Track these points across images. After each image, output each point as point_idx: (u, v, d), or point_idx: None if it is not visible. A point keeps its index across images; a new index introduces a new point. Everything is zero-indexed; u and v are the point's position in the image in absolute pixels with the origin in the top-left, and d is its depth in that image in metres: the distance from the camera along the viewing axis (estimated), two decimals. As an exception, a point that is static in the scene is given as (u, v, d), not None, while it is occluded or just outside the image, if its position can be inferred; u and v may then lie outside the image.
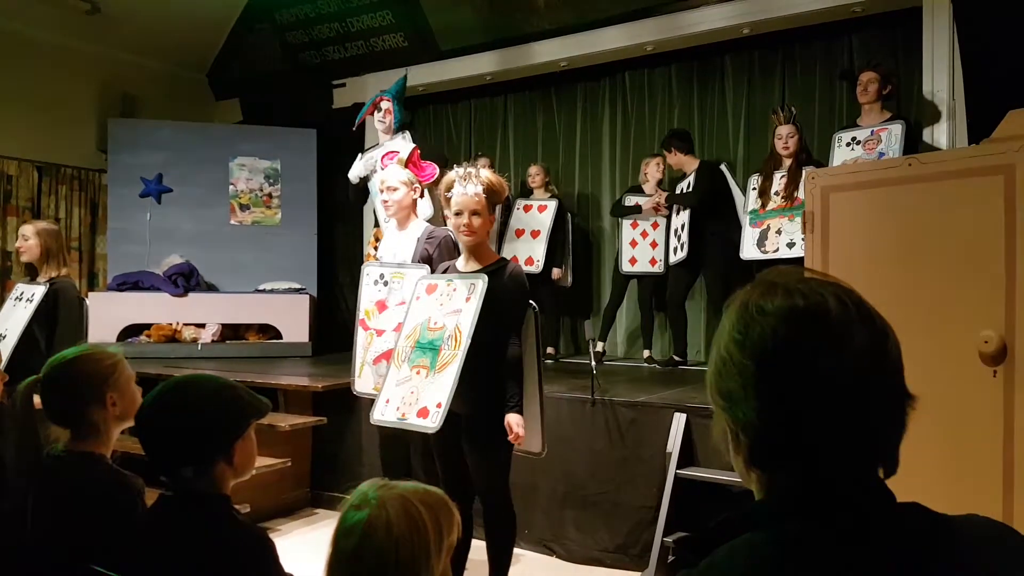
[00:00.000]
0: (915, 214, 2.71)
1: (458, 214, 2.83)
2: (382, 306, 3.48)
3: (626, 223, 5.76)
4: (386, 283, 3.50)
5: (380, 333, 3.46)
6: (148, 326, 6.52)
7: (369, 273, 3.57)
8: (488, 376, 2.77)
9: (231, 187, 7.08)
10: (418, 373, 2.88)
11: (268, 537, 1.52)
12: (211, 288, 6.83)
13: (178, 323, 6.53)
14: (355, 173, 4.93)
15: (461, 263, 3.00)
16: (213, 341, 6.49)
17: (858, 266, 2.78)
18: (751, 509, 0.85)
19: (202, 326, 6.57)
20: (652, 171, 5.77)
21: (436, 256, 3.38)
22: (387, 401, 2.94)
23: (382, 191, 3.57)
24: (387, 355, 3.38)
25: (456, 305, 2.85)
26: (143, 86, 7.47)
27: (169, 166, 6.93)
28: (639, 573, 3.48)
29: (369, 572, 1.19)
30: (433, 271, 3.22)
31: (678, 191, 5.45)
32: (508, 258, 3.09)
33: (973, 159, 2.65)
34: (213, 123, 7.82)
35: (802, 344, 0.81)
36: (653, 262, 5.65)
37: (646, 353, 5.83)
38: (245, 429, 1.57)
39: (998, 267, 2.37)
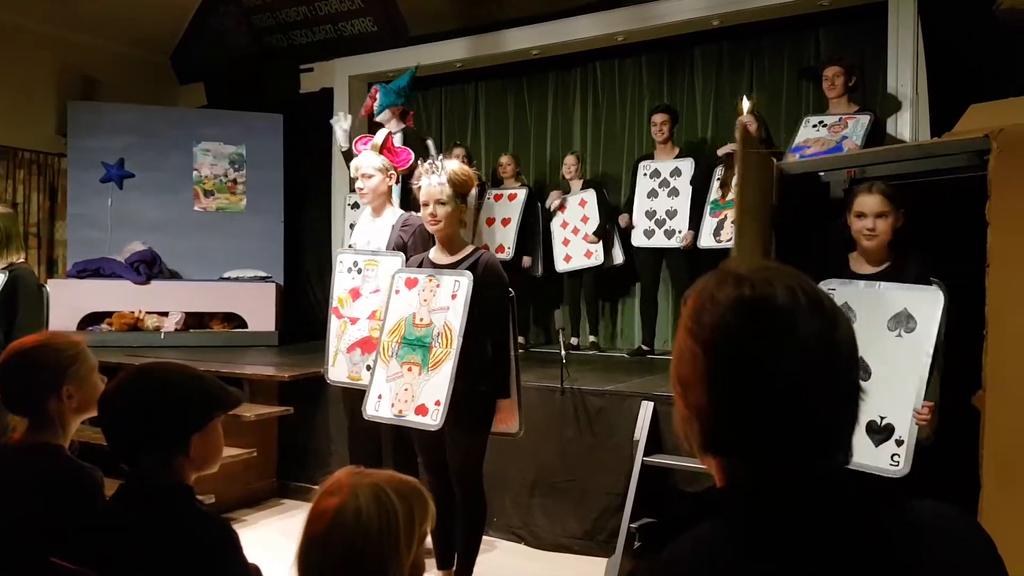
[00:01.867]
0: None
1: (424, 204, 2.95)
2: (356, 294, 3.46)
3: (555, 223, 5.81)
4: (360, 271, 3.48)
5: (354, 321, 3.44)
6: (109, 314, 6.40)
7: (343, 260, 3.54)
8: (471, 362, 2.86)
9: (195, 173, 6.95)
10: (409, 370, 2.94)
11: (231, 528, 1.50)
12: (174, 276, 6.71)
13: (140, 311, 6.42)
14: (342, 140, 4.97)
15: (434, 254, 3.08)
16: (176, 330, 6.40)
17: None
18: (711, 497, 0.86)
19: (165, 314, 6.46)
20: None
21: (411, 244, 3.41)
22: (379, 397, 3.00)
23: (357, 178, 3.54)
24: (362, 343, 3.40)
25: (442, 302, 2.92)
26: (104, 68, 7.28)
27: (131, 151, 6.79)
28: (606, 559, 3.51)
29: (337, 558, 1.19)
30: (408, 258, 3.25)
31: (648, 184, 5.45)
32: (478, 246, 3.13)
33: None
34: (177, 107, 7.68)
35: (747, 332, 0.82)
36: (588, 255, 5.67)
37: (591, 339, 5.93)
38: (205, 423, 1.52)
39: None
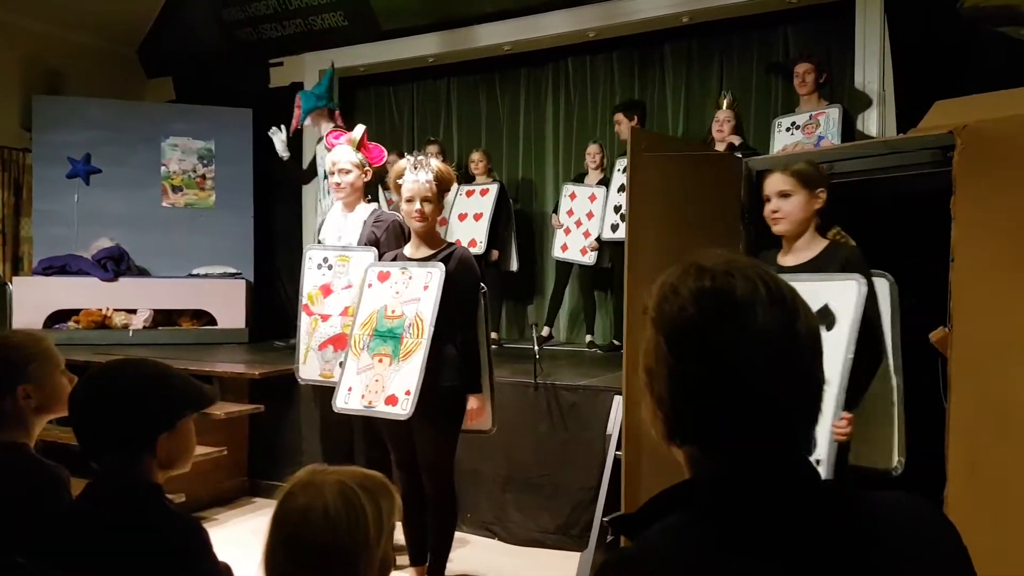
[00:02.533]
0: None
1: (410, 200, 2.93)
2: (327, 290, 3.43)
3: (562, 210, 5.79)
4: (331, 267, 3.44)
5: (325, 318, 3.41)
6: (76, 312, 6.28)
7: (312, 257, 3.50)
8: (442, 356, 2.88)
9: (163, 168, 6.85)
10: (380, 361, 2.94)
11: (200, 526, 1.48)
12: (142, 272, 6.61)
13: (108, 308, 6.32)
14: (281, 147, 4.99)
15: (410, 249, 3.08)
16: (145, 327, 6.30)
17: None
18: (680, 488, 0.87)
19: (133, 312, 6.36)
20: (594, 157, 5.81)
21: (384, 240, 3.39)
22: (349, 389, 2.99)
23: (333, 173, 3.49)
24: (334, 340, 3.37)
25: (414, 293, 2.92)
26: (70, 61, 7.14)
27: (98, 145, 6.67)
28: (579, 553, 3.52)
29: (307, 558, 1.18)
30: (381, 255, 3.23)
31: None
32: (452, 242, 3.14)
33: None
34: (144, 101, 7.56)
35: (707, 323, 0.83)
36: (584, 252, 5.67)
37: (588, 338, 5.87)
38: (174, 423, 1.49)
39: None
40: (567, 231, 5.73)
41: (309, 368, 3.44)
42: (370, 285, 3.06)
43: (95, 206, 6.64)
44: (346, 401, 2.99)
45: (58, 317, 6.25)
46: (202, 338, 6.33)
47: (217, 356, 5.40)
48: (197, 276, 6.62)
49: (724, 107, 4.87)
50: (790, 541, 0.79)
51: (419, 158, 2.96)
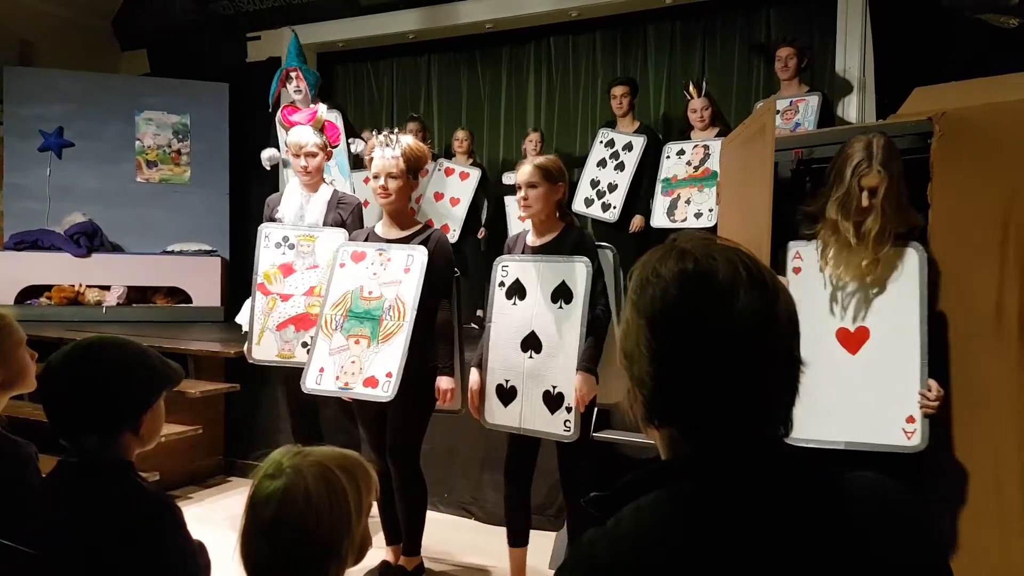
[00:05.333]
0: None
1: (375, 177, 2.91)
2: (288, 269, 3.38)
3: (511, 198, 5.73)
4: (292, 246, 3.39)
5: (286, 298, 3.36)
6: (48, 287, 6.19)
7: (269, 235, 3.43)
8: (419, 339, 2.87)
9: (137, 142, 6.74)
10: (357, 343, 2.90)
11: (174, 504, 1.46)
12: (116, 249, 6.52)
13: (81, 285, 6.23)
14: (270, 156, 4.65)
15: (382, 228, 3.04)
16: (119, 304, 6.22)
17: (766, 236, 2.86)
18: (655, 467, 0.87)
19: (107, 288, 6.28)
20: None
21: (350, 222, 3.39)
22: (321, 370, 2.94)
23: (299, 155, 3.44)
24: (295, 320, 3.32)
25: (393, 275, 2.90)
26: (42, 32, 6.98)
27: (71, 119, 6.55)
28: (555, 533, 3.54)
29: (289, 541, 1.16)
30: (349, 236, 3.19)
31: (613, 153, 5.42)
32: (425, 223, 3.11)
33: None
34: (118, 74, 7.42)
35: (688, 305, 0.84)
36: None
37: None
38: (156, 399, 1.50)
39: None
40: (522, 218, 5.63)
41: (264, 349, 3.35)
42: (343, 264, 3.01)
43: (68, 180, 6.53)
44: (317, 382, 2.93)
45: (30, 293, 6.16)
46: (176, 316, 6.27)
47: (192, 334, 5.35)
48: (172, 253, 6.55)
49: (696, 96, 4.86)
50: (765, 519, 0.80)
51: (388, 135, 2.93)
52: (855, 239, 2.26)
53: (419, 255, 2.89)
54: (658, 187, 4.88)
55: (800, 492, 0.83)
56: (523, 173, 2.80)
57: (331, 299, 2.99)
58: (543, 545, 3.36)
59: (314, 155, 3.44)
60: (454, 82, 6.94)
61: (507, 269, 2.89)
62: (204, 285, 6.41)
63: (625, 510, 0.84)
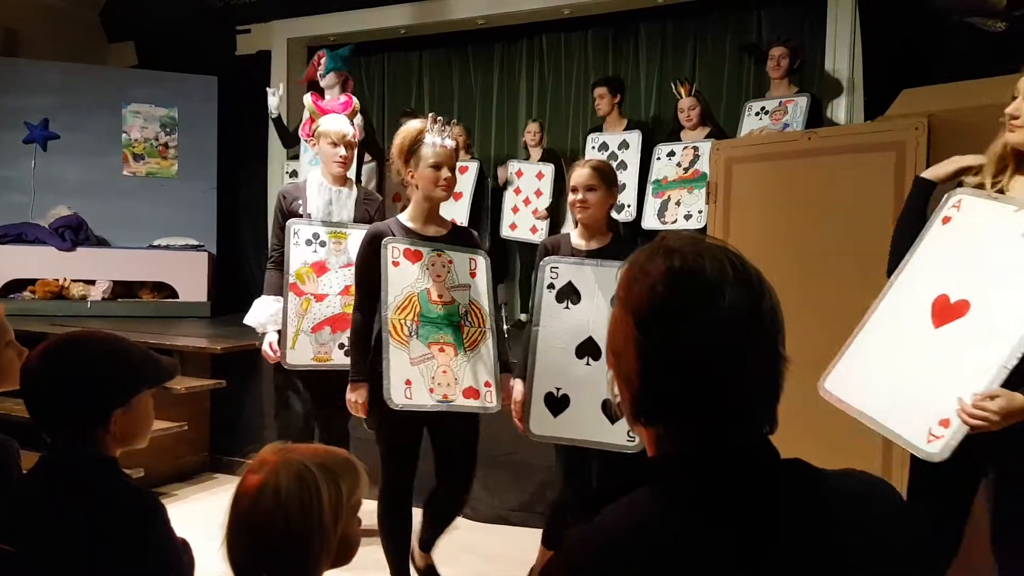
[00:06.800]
0: (811, 187, 2.80)
1: (436, 167, 2.63)
2: (321, 268, 3.19)
3: (509, 188, 5.76)
4: (323, 243, 3.20)
5: (320, 298, 3.17)
6: (32, 282, 6.14)
7: (298, 232, 3.18)
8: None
9: (124, 135, 6.69)
10: (441, 351, 2.64)
11: (157, 500, 1.45)
12: (102, 243, 6.46)
13: (65, 279, 6.18)
14: (273, 107, 5.01)
15: (416, 224, 2.73)
16: (104, 299, 6.17)
17: (757, 236, 2.87)
18: (642, 465, 0.88)
19: (92, 283, 6.22)
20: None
21: (377, 220, 3.17)
22: (407, 383, 2.58)
23: (337, 145, 3.21)
24: (332, 321, 3.17)
25: (460, 279, 2.72)
26: (27, 21, 6.90)
27: (56, 110, 6.49)
28: (543, 530, 3.54)
29: (257, 536, 1.18)
30: None
31: (599, 152, 5.44)
32: (449, 220, 2.90)
33: (868, 135, 2.76)
34: (105, 66, 7.35)
35: (675, 303, 0.84)
36: (534, 230, 5.63)
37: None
38: (128, 398, 1.45)
39: (886, 243, 2.44)
40: (515, 209, 5.70)
41: (300, 353, 3.14)
42: (396, 263, 2.65)
43: (53, 173, 6.48)
44: (408, 396, 2.57)
45: (13, 287, 6.11)
46: (163, 311, 6.23)
47: (178, 329, 5.31)
48: (158, 247, 6.50)
49: (683, 95, 4.88)
50: (749, 515, 0.81)
51: (444, 124, 2.68)
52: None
53: (482, 260, 2.77)
54: (648, 188, 4.89)
55: (783, 491, 0.83)
56: (581, 176, 2.70)
57: (393, 301, 2.62)
58: (533, 542, 3.35)
59: (354, 146, 3.30)
60: (445, 78, 6.93)
61: (557, 271, 2.72)
62: (191, 280, 6.37)
63: (611, 507, 0.84)
